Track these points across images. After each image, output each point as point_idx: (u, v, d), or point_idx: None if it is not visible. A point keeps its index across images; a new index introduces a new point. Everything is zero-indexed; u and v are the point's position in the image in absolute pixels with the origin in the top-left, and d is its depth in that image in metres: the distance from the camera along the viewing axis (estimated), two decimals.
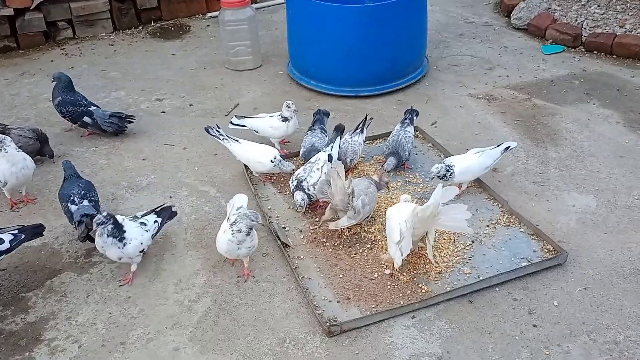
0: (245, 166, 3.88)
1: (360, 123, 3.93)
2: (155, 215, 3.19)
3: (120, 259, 3.02)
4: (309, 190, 3.42)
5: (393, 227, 2.96)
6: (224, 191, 3.77)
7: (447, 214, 2.85)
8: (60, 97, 4.21)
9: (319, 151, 3.74)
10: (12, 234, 3.03)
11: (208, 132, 3.80)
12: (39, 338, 2.80)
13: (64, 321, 2.88)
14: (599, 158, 3.97)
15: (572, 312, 2.86)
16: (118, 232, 2.94)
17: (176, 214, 3.34)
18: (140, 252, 3.06)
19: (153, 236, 3.13)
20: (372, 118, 4.08)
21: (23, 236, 3.05)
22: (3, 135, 3.55)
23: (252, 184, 3.77)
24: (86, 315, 2.91)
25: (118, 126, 4.29)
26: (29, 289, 3.08)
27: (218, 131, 3.78)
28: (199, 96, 4.94)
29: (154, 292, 3.05)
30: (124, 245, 2.96)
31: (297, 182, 3.46)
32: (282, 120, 3.97)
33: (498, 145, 3.64)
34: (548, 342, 2.72)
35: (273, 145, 3.94)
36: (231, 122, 4.10)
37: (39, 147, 3.97)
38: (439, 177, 3.43)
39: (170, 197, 3.73)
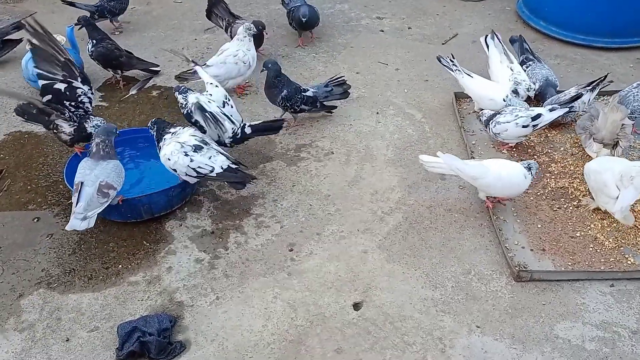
0: (456, 97, 3.82)
1: (595, 80, 3.57)
2: (224, 159, 2.97)
3: None
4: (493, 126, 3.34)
5: (607, 182, 2.77)
6: (429, 117, 3.77)
7: None
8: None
9: (554, 86, 3.56)
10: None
11: (440, 61, 3.72)
12: (248, 211, 3.14)
13: (270, 202, 3.19)
14: None
15: None
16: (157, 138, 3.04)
17: (243, 187, 3.05)
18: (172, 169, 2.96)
19: (197, 172, 2.91)
20: (611, 81, 3.67)
21: None
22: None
23: (460, 116, 3.70)
24: (290, 201, 3.18)
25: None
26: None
27: (452, 61, 3.68)
28: (418, 20, 4.89)
29: (351, 196, 3.22)
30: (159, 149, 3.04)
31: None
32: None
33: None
34: None
35: None
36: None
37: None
38: None
39: (377, 112, 3.83)
